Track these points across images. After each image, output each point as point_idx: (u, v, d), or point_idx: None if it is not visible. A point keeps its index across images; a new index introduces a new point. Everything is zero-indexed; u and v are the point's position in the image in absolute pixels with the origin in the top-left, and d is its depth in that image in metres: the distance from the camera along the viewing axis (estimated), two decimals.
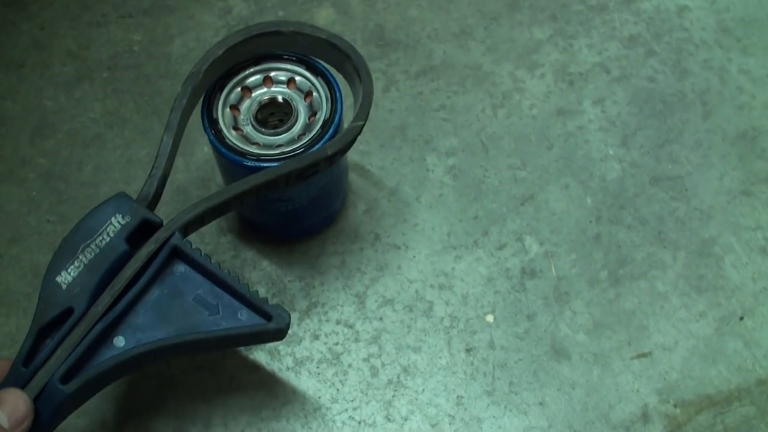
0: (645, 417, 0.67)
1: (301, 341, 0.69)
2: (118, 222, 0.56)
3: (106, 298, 0.55)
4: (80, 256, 0.55)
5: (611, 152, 0.77)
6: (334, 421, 0.66)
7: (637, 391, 0.68)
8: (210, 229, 0.73)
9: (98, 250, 0.56)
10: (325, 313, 0.70)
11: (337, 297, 0.71)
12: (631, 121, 0.78)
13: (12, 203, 0.74)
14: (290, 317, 0.57)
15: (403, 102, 0.79)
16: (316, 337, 0.69)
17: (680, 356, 0.69)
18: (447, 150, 0.77)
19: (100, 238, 0.56)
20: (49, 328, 0.54)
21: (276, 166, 0.59)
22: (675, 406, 0.67)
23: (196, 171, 0.75)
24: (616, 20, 0.83)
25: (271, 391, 0.67)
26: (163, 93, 0.79)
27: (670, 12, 0.84)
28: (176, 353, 0.57)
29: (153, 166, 0.59)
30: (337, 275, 0.71)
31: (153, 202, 0.59)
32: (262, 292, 0.70)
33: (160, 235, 0.57)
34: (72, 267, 0.55)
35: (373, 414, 0.67)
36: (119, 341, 0.55)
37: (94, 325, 0.54)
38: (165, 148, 0.59)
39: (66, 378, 0.53)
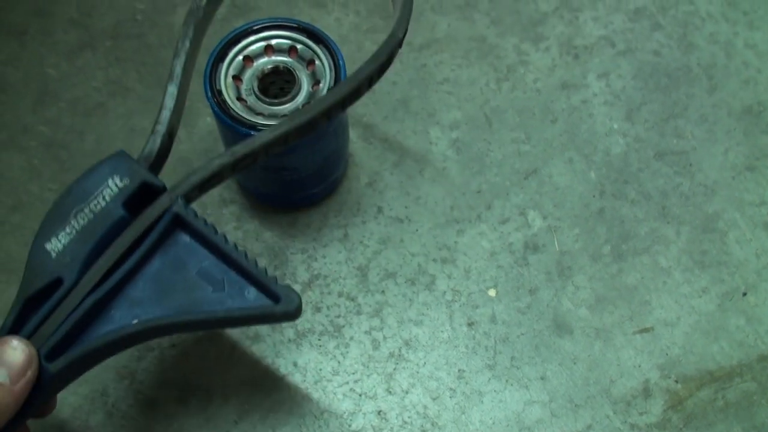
0: (646, 392, 0.67)
1: (302, 313, 0.68)
2: (116, 185, 0.51)
3: (99, 268, 0.50)
4: (72, 222, 0.51)
5: (615, 126, 0.76)
6: (335, 393, 0.66)
7: (639, 366, 0.68)
8: (212, 200, 0.72)
9: (92, 215, 0.51)
10: (327, 285, 0.70)
11: (339, 269, 0.71)
12: (636, 95, 0.78)
13: (13, 171, 0.74)
14: (300, 299, 0.52)
15: (406, 74, 0.78)
16: (318, 310, 0.69)
17: (682, 332, 0.69)
18: (450, 123, 0.76)
19: (95, 202, 0.51)
20: (36, 299, 0.50)
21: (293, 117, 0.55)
22: (676, 381, 0.67)
23: (199, 142, 0.75)
24: None
25: (273, 362, 0.67)
26: (166, 63, 0.78)
27: None
28: (176, 331, 0.52)
29: (156, 121, 0.54)
30: (339, 248, 0.71)
31: (156, 162, 0.55)
32: (264, 263, 0.70)
33: (161, 202, 0.52)
34: (63, 233, 0.51)
35: (374, 386, 0.67)
36: (114, 316, 0.50)
37: (84, 298, 0.49)
38: (169, 99, 0.54)
39: (51, 355, 0.49)
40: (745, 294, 0.70)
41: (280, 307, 0.51)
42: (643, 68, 0.79)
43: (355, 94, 0.56)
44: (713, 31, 0.81)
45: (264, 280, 0.52)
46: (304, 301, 0.68)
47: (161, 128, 0.55)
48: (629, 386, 0.67)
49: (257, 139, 0.54)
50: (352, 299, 0.69)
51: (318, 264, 0.71)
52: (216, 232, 0.53)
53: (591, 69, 0.79)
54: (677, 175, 0.75)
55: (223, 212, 0.72)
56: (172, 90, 0.55)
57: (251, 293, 0.52)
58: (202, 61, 0.63)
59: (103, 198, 0.51)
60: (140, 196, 0.52)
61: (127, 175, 0.52)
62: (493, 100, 0.77)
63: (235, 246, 0.52)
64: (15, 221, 0.72)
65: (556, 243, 0.72)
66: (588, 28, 0.81)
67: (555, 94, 0.78)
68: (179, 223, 0.52)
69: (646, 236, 0.72)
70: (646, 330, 0.69)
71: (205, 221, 0.53)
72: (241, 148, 0.54)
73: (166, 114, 0.55)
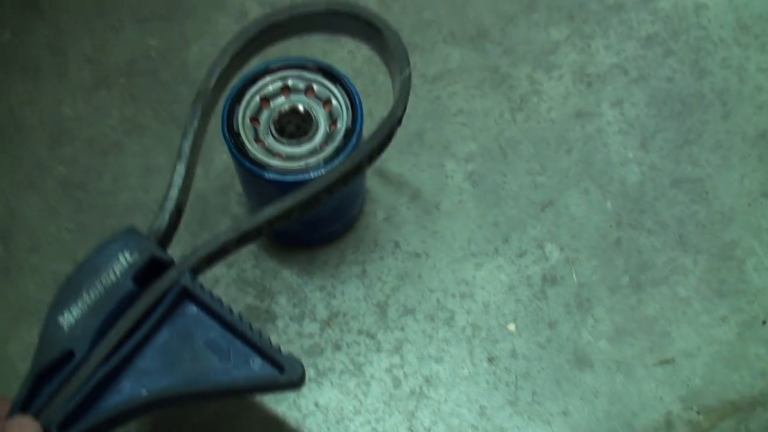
0: (668, 424, 0.67)
1: (322, 352, 0.69)
2: (126, 260, 0.53)
3: (109, 340, 0.51)
4: (84, 296, 0.52)
5: (630, 155, 0.76)
6: None
7: (661, 398, 0.68)
8: None
9: (103, 289, 0.52)
10: (347, 323, 0.70)
11: (358, 306, 0.71)
12: (650, 122, 0.78)
13: (31, 211, 0.74)
14: (304, 369, 0.52)
15: (420, 107, 0.78)
16: (338, 348, 0.69)
17: (703, 362, 0.69)
18: (466, 155, 0.76)
19: (106, 276, 0.52)
20: (49, 371, 0.51)
21: (310, 182, 0.56)
22: (698, 412, 0.67)
23: (215, 179, 0.75)
24: (634, 19, 0.83)
25: (294, 402, 0.67)
26: (180, 100, 0.79)
27: (688, 10, 0.83)
28: (184, 401, 0.53)
29: (165, 197, 0.56)
30: (357, 284, 0.71)
31: (166, 236, 0.56)
32: (283, 302, 0.71)
33: (169, 276, 0.53)
34: (75, 307, 0.52)
35: (396, 425, 0.67)
36: (124, 387, 0.51)
37: (95, 370, 0.51)
38: (178, 177, 0.56)
39: (64, 426, 0.50)
40: (764, 322, 0.70)
41: (285, 377, 0.52)
42: (656, 95, 0.79)
43: (356, 171, 0.57)
44: (725, 56, 0.81)
45: (268, 350, 0.53)
46: (324, 339, 0.68)
47: (170, 204, 0.56)
48: (651, 419, 0.67)
49: (261, 215, 0.55)
50: (372, 336, 0.70)
51: (337, 301, 0.71)
52: (222, 304, 0.53)
53: (604, 97, 0.79)
54: (693, 203, 0.75)
55: (240, 251, 0.72)
56: (181, 168, 0.56)
57: (256, 363, 0.52)
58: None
59: (114, 273, 0.53)
60: (149, 270, 0.53)
61: (137, 250, 0.53)
62: (507, 131, 0.77)
63: (240, 317, 0.53)
64: (33, 262, 0.72)
65: (574, 275, 0.72)
66: (600, 55, 0.81)
67: (569, 123, 0.78)
68: (187, 296, 0.53)
69: (664, 266, 0.72)
70: (666, 361, 0.69)
71: (212, 294, 0.54)
72: (246, 224, 0.55)
73: (174, 191, 0.56)
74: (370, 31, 0.61)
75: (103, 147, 0.77)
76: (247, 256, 0.72)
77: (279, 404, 0.67)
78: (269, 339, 0.53)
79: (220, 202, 0.74)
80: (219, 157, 0.76)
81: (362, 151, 0.57)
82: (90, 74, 0.80)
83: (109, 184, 0.75)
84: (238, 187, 0.74)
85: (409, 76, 0.59)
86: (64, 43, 0.82)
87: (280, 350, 0.53)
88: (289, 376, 0.52)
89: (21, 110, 0.79)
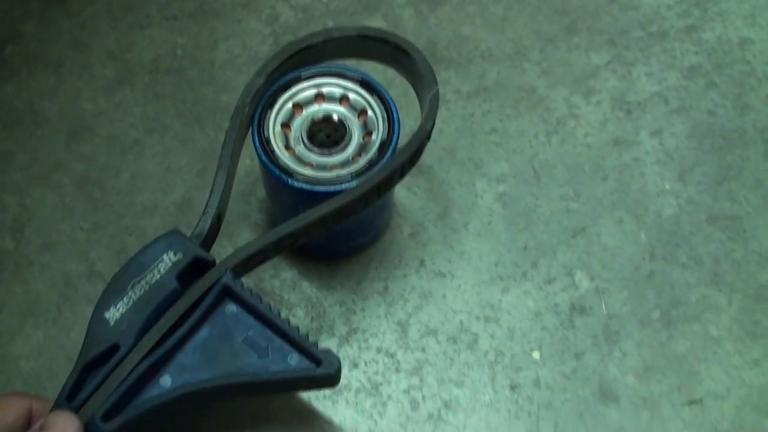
0: None
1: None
2: (170, 259, 0.55)
3: (153, 335, 0.54)
4: (129, 293, 0.55)
5: (668, 187, 0.74)
6: None
7: None
8: None
9: (148, 287, 0.55)
10: (366, 340, 0.67)
11: (379, 324, 0.68)
12: (689, 155, 0.75)
13: (45, 208, 0.72)
14: (340, 363, 0.55)
15: (453, 123, 0.76)
16: (355, 365, 0.66)
17: (732, 405, 0.66)
18: (497, 176, 0.74)
19: (151, 275, 0.55)
20: (93, 364, 0.53)
21: (344, 192, 0.57)
22: None
23: (236, 185, 0.72)
24: (677, 49, 0.81)
25: (307, 419, 0.65)
26: (206, 100, 0.77)
27: (732, 44, 0.81)
28: (223, 396, 0.55)
29: (207, 204, 0.58)
30: (379, 301, 0.69)
31: (207, 240, 0.58)
32: (301, 315, 0.68)
33: (211, 274, 0.56)
34: (121, 303, 0.54)
35: None
36: (165, 381, 0.53)
37: (139, 363, 0.53)
38: (219, 185, 0.58)
39: (107, 416, 0.52)
40: None
41: (321, 370, 0.54)
42: (697, 127, 0.77)
43: (388, 183, 0.58)
44: None
45: (306, 346, 0.55)
46: (341, 356, 0.66)
47: (211, 210, 0.58)
48: None
49: (299, 220, 0.57)
50: (391, 356, 0.67)
51: (357, 317, 0.68)
52: (261, 300, 0.56)
53: (643, 126, 0.77)
54: (730, 240, 0.72)
55: None
56: (221, 177, 0.59)
57: (294, 358, 0.55)
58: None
59: (159, 271, 0.55)
60: (192, 270, 0.56)
61: (181, 250, 0.56)
62: (542, 154, 0.75)
63: (279, 313, 0.56)
64: (44, 261, 0.70)
65: (603, 306, 0.69)
66: (641, 83, 0.79)
67: (606, 150, 0.75)
68: (228, 294, 0.56)
69: (696, 303, 0.69)
70: (694, 402, 0.66)
71: (251, 291, 0.56)
72: (284, 228, 0.57)
73: (215, 198, 0.58)
74: (398, 54, 0.63)
75: (122, 145, 0.75)
76: (266, 266, 0.69)
77: (293, 419, 0.64)
78: (307, 335, 0.55)
79: (242, 210, 0.72)
80: (241, 162, 0.73)
81: (394, 162, 0.58)
82: (113, 70, 0.78)
83: (126, 184, 0.73)
84: (260, 193, 0.72)
85: (437, 93, 0.60)
86: (88, 38, 0.80)
87: (317, 345, 0.55)
88: (325, 370, 0.54)
89: (41, 104, 0.76)
